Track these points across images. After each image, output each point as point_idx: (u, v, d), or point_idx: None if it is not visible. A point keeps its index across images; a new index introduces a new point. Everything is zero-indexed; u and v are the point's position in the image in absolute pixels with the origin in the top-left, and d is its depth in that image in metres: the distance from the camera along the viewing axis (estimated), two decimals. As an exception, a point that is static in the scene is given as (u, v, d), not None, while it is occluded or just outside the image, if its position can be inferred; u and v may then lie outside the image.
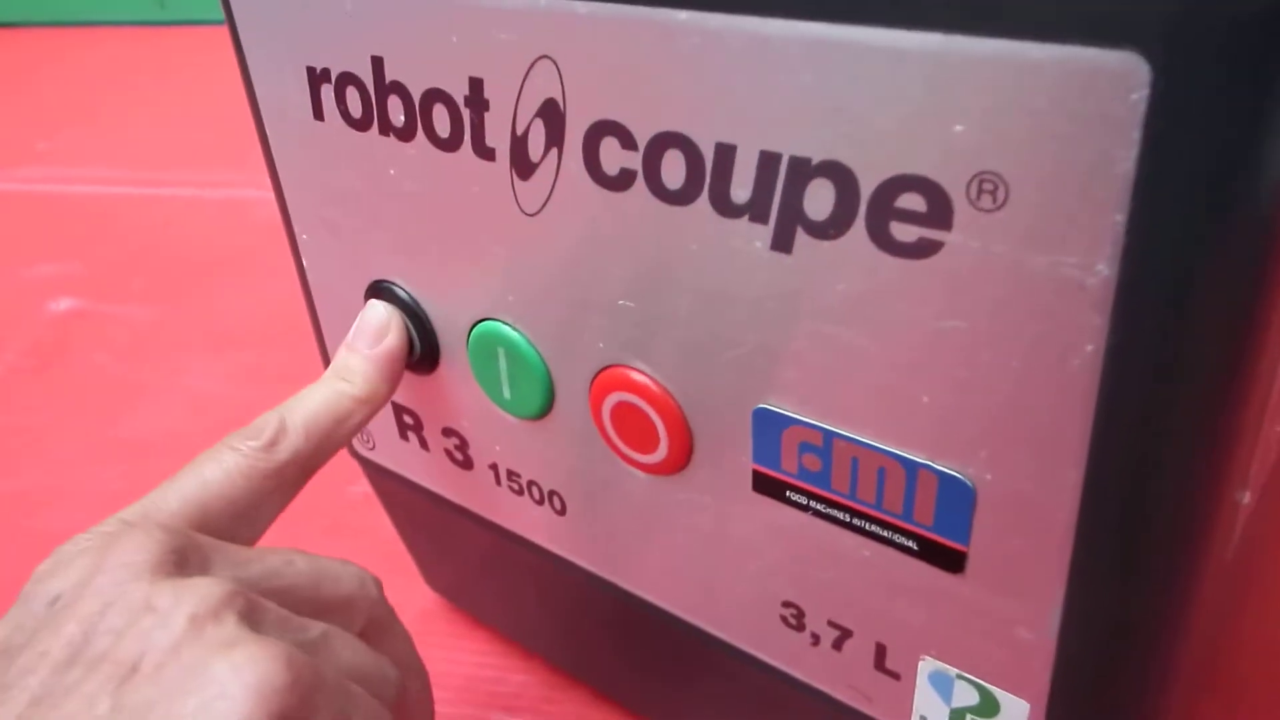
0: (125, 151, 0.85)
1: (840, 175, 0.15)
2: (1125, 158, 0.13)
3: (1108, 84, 0.12)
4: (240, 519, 0.21)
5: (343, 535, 0.42)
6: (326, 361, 0.30)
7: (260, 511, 0.22)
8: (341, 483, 0.44)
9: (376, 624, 0.22)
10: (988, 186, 0.14)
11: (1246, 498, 0.17)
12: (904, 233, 0.15)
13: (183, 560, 0.18)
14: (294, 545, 0.45)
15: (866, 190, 0.15)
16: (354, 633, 0.21)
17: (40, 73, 1.09)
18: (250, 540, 0.22)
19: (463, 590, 0.36)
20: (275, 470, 0.22)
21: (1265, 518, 0.20)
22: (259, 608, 0.18)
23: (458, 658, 0.36)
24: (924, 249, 0.15)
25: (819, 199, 0.16)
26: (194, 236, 0.69)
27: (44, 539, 0.45)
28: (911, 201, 0.15)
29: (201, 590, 0.17)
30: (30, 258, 0.67)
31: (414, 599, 0.38)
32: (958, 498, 0.17)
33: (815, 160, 0.15)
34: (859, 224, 0.16)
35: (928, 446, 0.17)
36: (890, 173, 0.15)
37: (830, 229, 0.16)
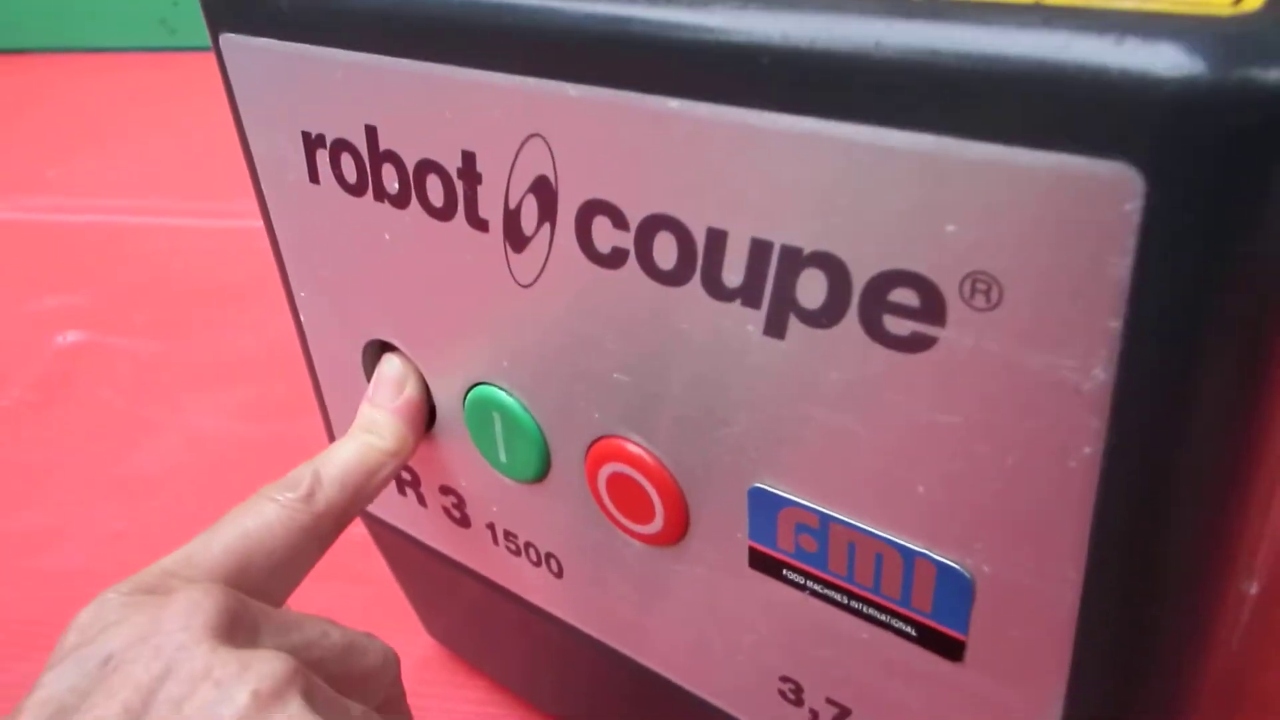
0: (134, 179, 0.85)
1: (832, 266, 0.15)
2: (1120, 264, 0.12)
3: (1101, 193, 0.12)
4: (277, 572, 0.21)
5: (342, 579, 0.41)
6: (325, 417, 0.30)
7: (297, 565, 0.22)
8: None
9: (391, 703, 0.22)
10: (981, 286, 0.14)
11: (1254, 588, 0.17)
12: (897, 326, 0.15)
13: (235, 624, 0.18)
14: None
15: (859, 282, 0.15)
16: (373, 709, 0.21)
17: (50, 99, 1.10)
18: (284, 595, 0.22)
19: (461, 640, 0.36)
20: (313, 522, 0.22)
21: (1275, 604, 0.20)
22: (315, 688, 0.18)
23: (456, 707, 0.35)
24: (917, 343, 0.15)
25: (812, 288, 0.16)
26: (201, 266, 0.70)
27: (46, 578, 0.45)
28: (904, 296, 0.15)
29: (266, 665, 0.17)
30: (39, 288, 0.68)
31: (413, 645, 0.38)
32: (955, 587, 0.17)
33: (807, 250, 0.15)
34: (852, 314, 0.15)
35: (924, 535, 0.17)
36: (883, 267, 0.15)
37: (823, 318, 0.16)
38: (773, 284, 0.16)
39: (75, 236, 0.76)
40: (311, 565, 0.23)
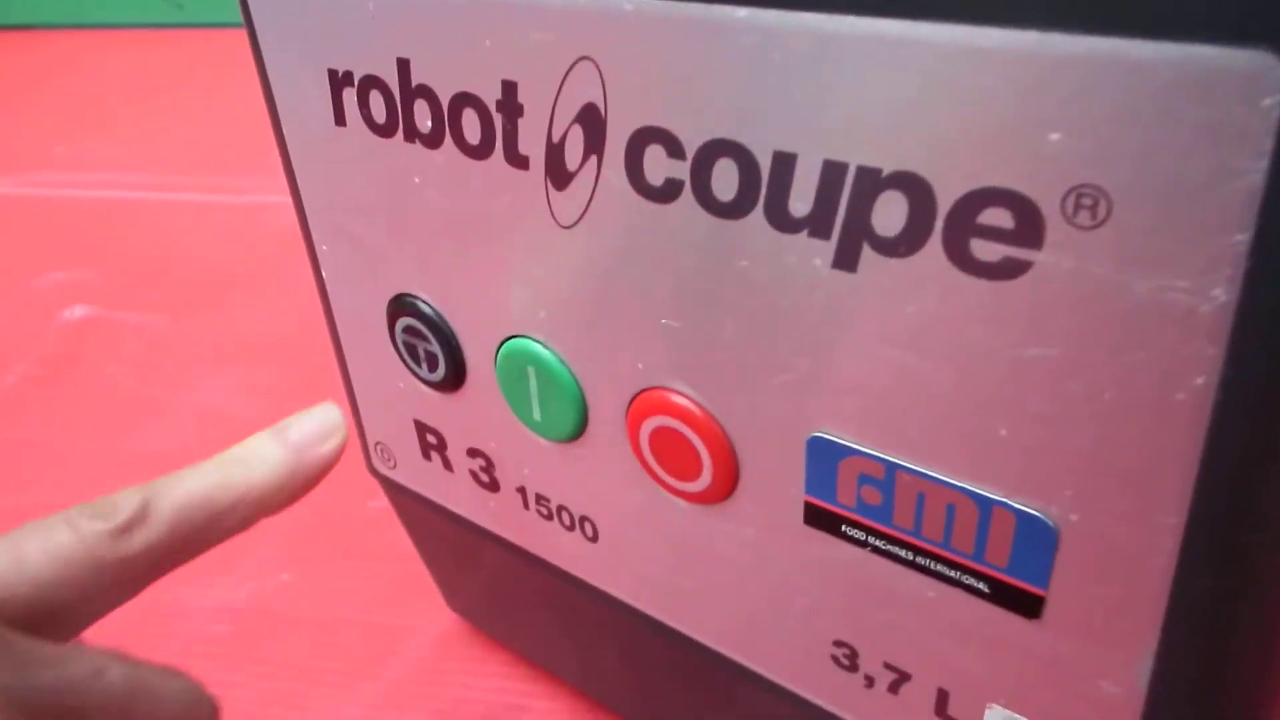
0: (142, 156, 0.84)
1: (915, 188, 0.14)
2: (1253, 169, 0.11)
3: (1234, 87, 0.11)
4: (61, 610, 0.17)
5: (358, 555, 0.40)
6: (346, 379, 0.29)
7: (84, 608, 0.18)
8: (360, 498, 0.43)
9: None
10: (1086, 201, 0.13)
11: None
12: (986, 251, 0.14)
13: None
14: (305, 564, 0.44)
15: (945, 204, 0.14)
16: None
17: (56, 76, 1.08)
18: (71, 634, 0.18)
19: (485, 613, 0.35)
20: (118, 562, 0.18)
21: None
22: None
23: (478, 683, 0.34)
24: (1009, 269, 0.14)
25: (889, 213, 0.14)
26: (210, 243, 0.68)
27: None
28: (996, 217, 0.13)
29: None
30: (45, 264, 0.66)
31: (434, 620, 0.37)
32: (1038, 539, 0.15)
33: (886, 171, 0.14)
34: (935, 241, 0.14)
35: (1005, 483, 0.15)
36: (973, 185, 0.13)
37: (901, 246, 0.15)
38: (845, 210, 0.15)
39: (82, 212, 0.74)
40: (108, 609, 0.18)
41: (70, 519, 0.18)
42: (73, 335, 0.58)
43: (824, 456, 0.18)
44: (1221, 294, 0.12)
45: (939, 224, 0.14)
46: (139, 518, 0.18)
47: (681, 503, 0.21)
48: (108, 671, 0.16)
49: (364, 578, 0.39)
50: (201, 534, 0.19)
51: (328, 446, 0.21)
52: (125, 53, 1.13)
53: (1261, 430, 0.13)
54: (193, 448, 0.48)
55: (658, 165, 0.17)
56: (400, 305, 0.25)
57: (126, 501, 0.18)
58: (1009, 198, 0.13)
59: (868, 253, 0.15)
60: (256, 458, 0.20)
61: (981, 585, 0.17)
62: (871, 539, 0.18)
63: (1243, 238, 0.12)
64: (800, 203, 0.15)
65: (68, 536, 0.17)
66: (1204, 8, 0.11)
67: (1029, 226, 0.13)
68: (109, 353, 0.56)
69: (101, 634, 0.40)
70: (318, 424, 0.21)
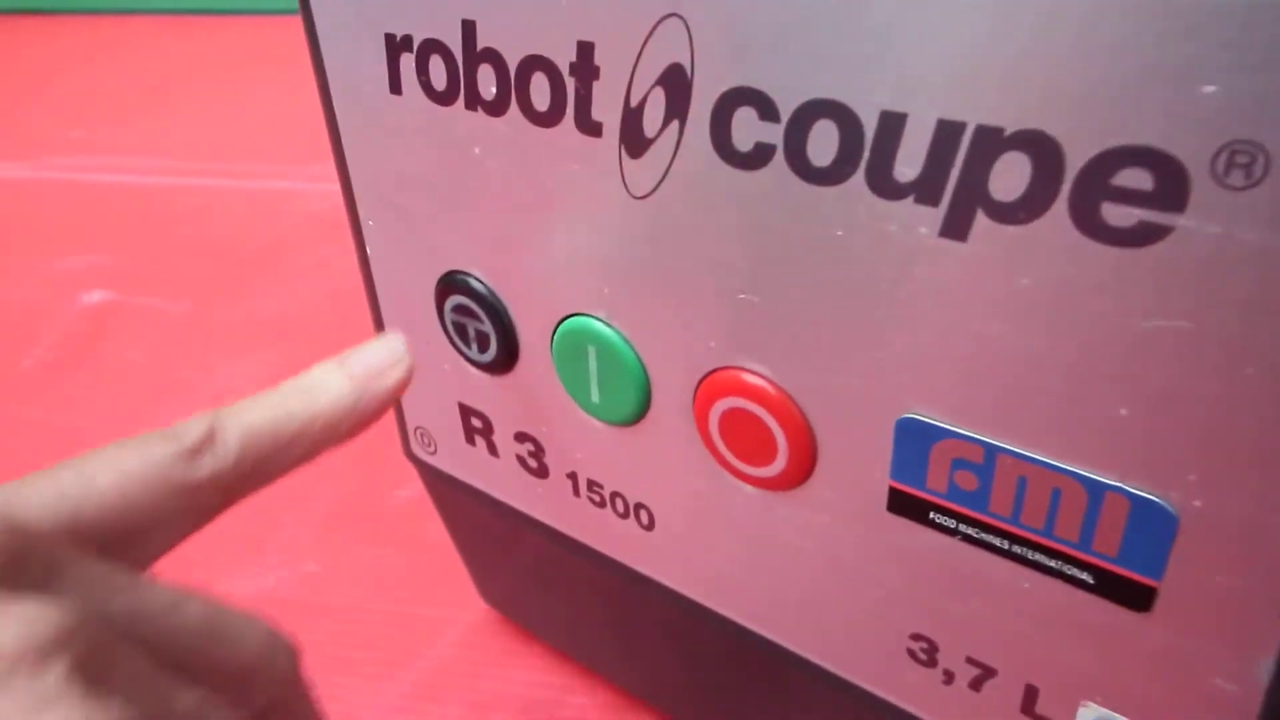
0: (160, 141, 0.83)
1: (1042, 147, 0.13)
2: None
3: None
4: (132, 536, 0.16)
5: (385, 544, 0.40)
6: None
7: (159, 532, 0.17)
8: (386, 486, 0.42)
9: (280, 706, 0.17)
10: (1241, 159, 0.12)
11: None
12: (1119, 216, 0.13)
13: (19, 567, 0.13)
14: (332, 554, 0.43)
15: (1075, 165, 0.13)
16: (246, 715, 0.16)
17: (76, 61, 1.08)
18: (143, 564, 0.17)
19: (521, 604, 0.34)
20: (187, 486, 0.17)
21: None
22: (107, 657, 0.13)
23: (512, 676, 0.34)
24: (1144, 235, 0.13)
25: (1010, 176, 0.13)
26: (228, 228, 0.68)
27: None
28: (1134, 178, 0.13)
29: (24, 621, 0.12)
30: (64, 248, 0.66)
31: (465, 611, 0.36)
32: (1155, 526, 0.15)
33: (1010, 130, 0.13)
34: (1060, 206, 0.13)
35: (1121, 467, 0.15)
36: (1109, 144, 0.13)
37: (1021, 212, 0.14)
38: (959, 174, 0.14)
39: (100, 197, 0.74)
40: (179, 538, 0.17)
41: (139, 442, 0.17)
42: (91, 319, 0.57)
43: (915, 439, 0.17)
44: (1393, 259, 0.11)
45: (1066, 187, 0.13)
46: (206, 441, 0.17)
47: (750, 489, 0.20)
48: (186, 606, 0.15)
49: (392, 567, 0.38)
50: (268, 463, 0.18)
51: (392, 377, 0.20)
52: (145, 39, 1.12)
53: None
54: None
55: (748, 129, 0.16)
56: (451, 283, 0.24)
57: (194, 425, 0.18)
58: (1150, 157, 0.12)
59: (981, 220, 0.14)
60: (320, 387, 0.19)
61: (1086, 576, 0.16)
62: (963, 526, 0.17)
63: None
64: (907, 166, 0.14)
65: (137, 458, 0.17)
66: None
67: (1172, 188, 0.12)
68: (127, 337, 0.56)
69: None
70: (382, 354, 0.20)
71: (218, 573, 0.38)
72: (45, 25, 1.21)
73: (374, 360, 0.20)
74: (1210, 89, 0.12)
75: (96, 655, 0.13)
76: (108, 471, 0.16)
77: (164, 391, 0.51)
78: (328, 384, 0.19)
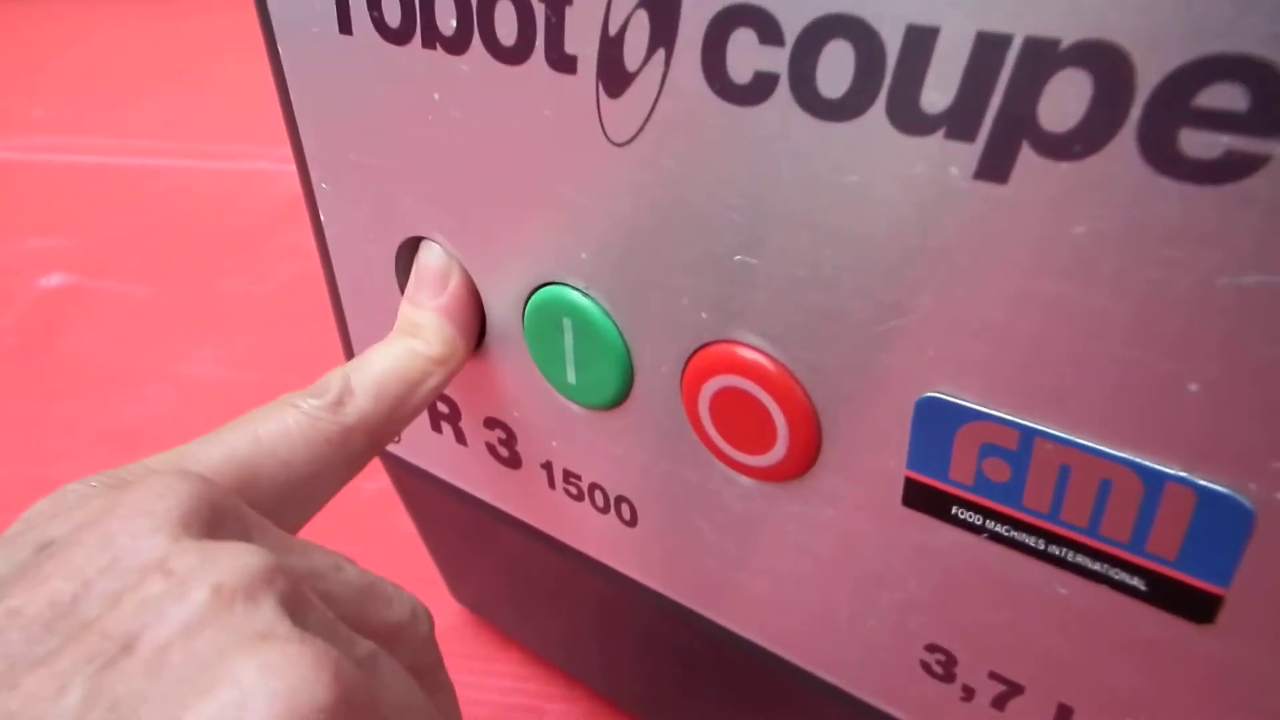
0: (125, 121, 0.80)
1: (1107, 63, 0.11)
2: None
3: None
4: (293, 491, 0.18)
5: (354, 539, 0.37)
6: (345, 339, 0.26)
7: (316, 485, 0.19)
8: (355, 479, 0.40)
9: (421, 670, 0.18)
10: (1364, 66, 0.09)
11: None
12: (1201, 145, 0.11)
13: (216, 521, 0.14)
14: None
15: (1148, 83, 0.11)
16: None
17: (37, 41, 1.04)
18: (297, 525, 0.19)
19: (496, 605, 0.31)
20: (341, 435, 0.19)
21: None
22: (305, 599, 0.14)
23: (487, 683, 0.31)
24: (1233, 168, 0.10)
25: (1066, 100, 0.11)
26: (194, 211, 0.65)
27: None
28: (1222, 97, 0.10)
29: (237, 558, 0.13)
30: (22, 230, 0.63)
31: (437, 613, 0.33)
32: (1226, 523, 0.12)
33: (1067, 42, 0.11)
34: (1127, 135, 0.11)
35: (1188, 453, 0.12)
36: (1192, 55, 0.10)
37: (1077, 144, 0.11)
38: (1002, 101, 0.12)
39: (62, 178, 0.71)
40: (334, 490, 0.19)
41: (290, 400, 0.19)
42: (49, 303, 0.54)
43: (937, 421, 0.15)
44: None
45: (1136, 111, 0.11)
46: (347, 391, 0.19)
47: (745, 480, 0.18)
48: (345, 567, 0.16)
49: (361, 565, 0.36)
50: (404, 404, 0.20)
51: (453, 285, 0.20)
52: (108, 19, 1.09)
53: None
54: (175, 417, 0.45)
55: (746, 56, 0.14)
56: (412, 251, 0.21)
57: (332, 379, 0.19)
58: (1245, 68, 0.10)
59: (1027, 156, 0.12)
60: (415, 325, 0.20)
61: (1136, 581, 0.14)
62: (991, 523, 0.15)
63: None
64: (938, 93, 0.12)
65: (293, 414, 0.18)
66: None
67: (1272, 106, 0.10)
68: (87, 321, 0.53)
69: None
70: (433, 273, 0.20)
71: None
72: (7, 5, 1.17)
73: (430, 278, 0.21)
74: (1328, -23, 0.09)
75: (295, 598, 0.14)
76: (272, 430, 0.18)
77: (123, 377, 0.48)
78: (421, 321, 0.20)
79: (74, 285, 0.56)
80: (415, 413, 0.20)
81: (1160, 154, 0.11)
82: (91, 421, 0.45)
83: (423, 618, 0.18)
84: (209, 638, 0.12)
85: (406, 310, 0.21)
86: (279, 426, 0.18)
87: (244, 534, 0.15)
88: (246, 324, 0.52)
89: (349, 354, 0.26)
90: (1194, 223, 0.11)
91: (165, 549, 0.13)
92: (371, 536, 0.37)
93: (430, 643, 0.18)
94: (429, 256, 0.21)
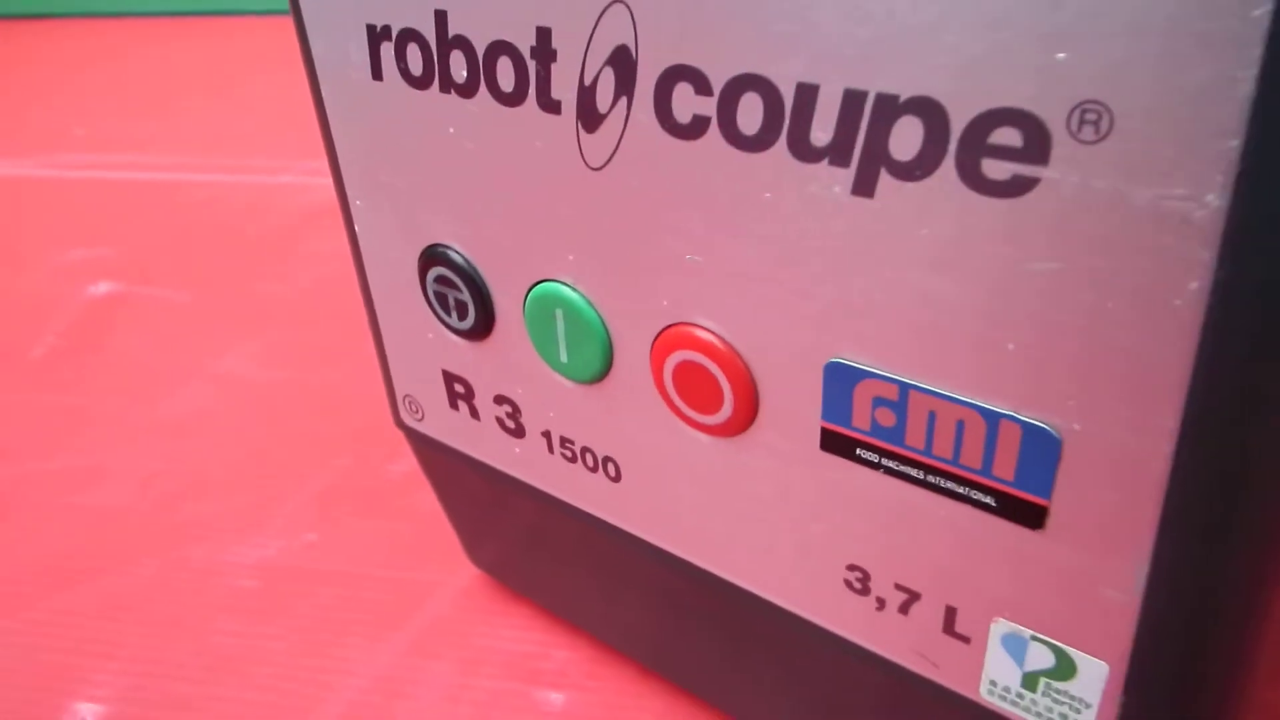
0: (161, 137, 0.85)
1: (930, 111, 0.15)
2: (1244, 79, 0.12)
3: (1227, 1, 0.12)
4: None
5: (380, 515, 0.42)
6: (376, 330, 0.30)
7: None
8: (381, 461, 0.44)
9: None
10: (1090, 116, 0.13)
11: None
12: (996, 170, 0.15)
13: None
14: (331, 525, 0.45)
15: (958, 126, 0.15)
16: None
17: (77, 61, 1.10)
18: None
19: (508, 565, 0.36)
20: None
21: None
22: None
23: (500, 633, 0.35)
24: (1018, 186, 0.15)
25: (905, 138, 0.15)
26: (227, 220, 0.70)
27: (86, 513, 0.46)
28: (1006, 136, 0.14)
29: None
30: (69, 242, 0.68)
31: (457, 575, 0.38)
32: (1042, 449, 0.16)
33: (903, 97, 0.15)
34: (948, 163, 0.15)
35: (1012, 396, 0.16)
36: (984, 107, 0.14)
37: (917, 169, 0.16)
38: (864, 137, 0.16)
39: (105, 192, 0.76)
40: None
41: None
42: (98, 310, 0.59)
43: (841, 381, 0.19)
44: (1215, 199, 0.13)
45: (952, 146, 0.15)
46: None
47: (703, 437, 0.22)
48: None
49: (387, 536, 0.40)
50: None
51: None
52: (142, 40, 1.14)
53: (1253, 331, 0.14)
54: (214, 410, 0.49)
55: (685, 103, 0.18)
56: (432, 255, 0.26)
57: None
58: (1018, 116, 0.14)
59: (885, 178, 0.16)
60: None
61: (989, 499, 0.18)
62: (885, 460, 0.19)
63: (1235, 143, 0.13)
64: (821, 132, 0.16)
65: None
66: (1198, -71, 0.12)
67: (1037, 144, 0.14)
68: (132, 325, 0.58)
69: (127, 585, 0.41)
70: None
71: (224, 543, 0.40)
72: (47, 29, 1.23)
73: None
74: (1062, 55, 0.13)
75: None
76: None
77: (168, 375, 0.53)
78: None
79: (120, 292, 0.61)
80: None
81: (972, 176, 0.15)
82: (139, 415, 0.50)
83: None
84: None
85: None
86: None
87: None
88: (278, 324, 0.57)
89: (379, 342, 0.30)
90: (999, 226, 0.15)
91: None
92: (400, 512, 0.41)
93: None
94: None
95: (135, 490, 0.44)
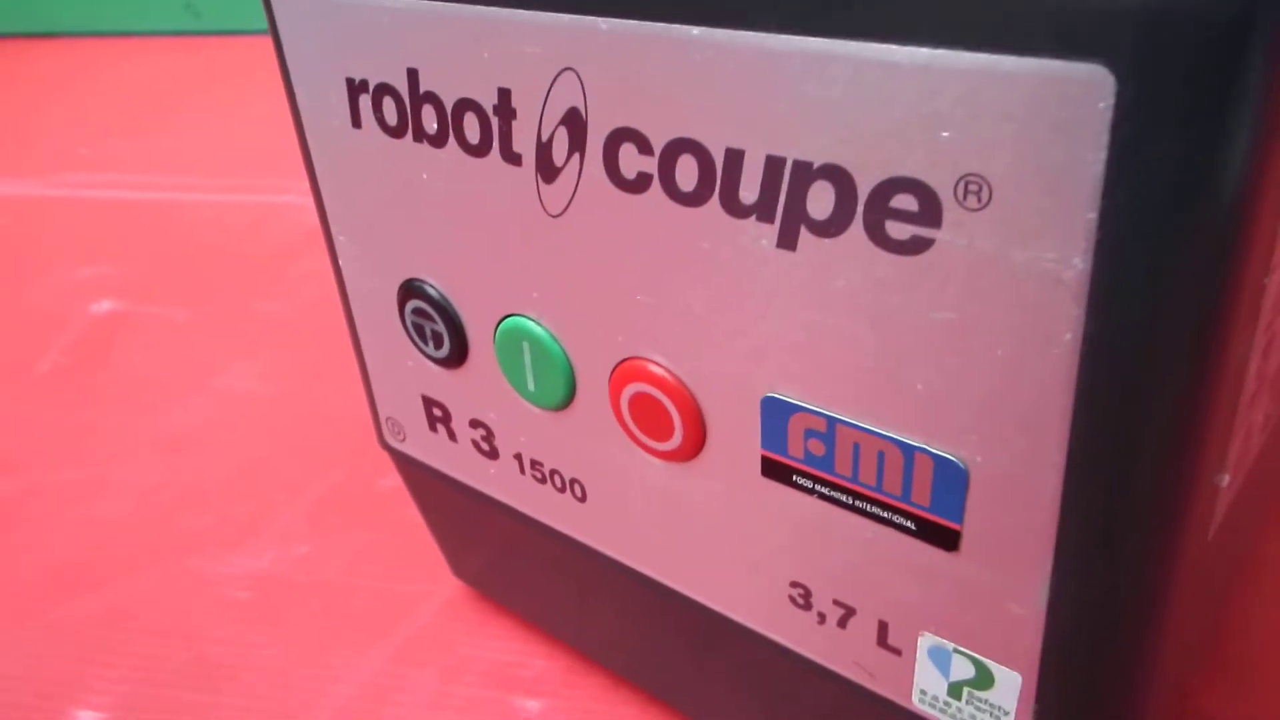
0: (163, 157, 0.87)
1: (839, 178, 0.17)
2: (1095, 160, 0.14)
3: (1077, 93, 0.14)
4: None
5: (369, 528, 0.43)
6: (359, 355, 0.32)
7: None
8: (371, 476, 0.46)
9: None
10: (973, 187, 0.15)
11: (1226, 480, 0.18)
12: (898, 231, 0.16)
13: None
14: (322, 537, 0.47)
15: (864, 191, 0.16)
16: None
17: (80, 81, 1.12)
18: None
19: (488, 579, 0.37)
20: None
21: (1251, 504, 0.21)
22: None
23: (482, 643, 0.37)
24: (917, 246, 0.16)
25: (821, 199, 0.17)
26: (227, 240, 0.72)
27: (92, 525, 0.47)
28: (905, 202, 0.16)
29: None
30: (74, 261, 0.70)
31: (441, 587, 0.40)
32: (951, 478, 0.18)
33: (817, 164, 0.17)
34: (857, 223, 0.17)
35: (923, 431, 0.18)
36: (885, 175, 0.16)
37: (831, 228, 0.17)
38: (785, 198, 0.18)
39: (108, 211, 0.78)
40: None
41: None
42: (101, 327, 0.61)
43: (776, 414, 0.20)
44: (1080, 262, 0.15)
45: (860, 208, 0.17)
46: None
47: (658, 462, 0.24)
48: None
49: (375, 549, 0.42)
50: None
51: None
52: (144, 59, 1.16)
53: (1122, 378, 0.15)
54: (214, 424, 0.51)
55: (630, 161, 0.20)
56: (410, 289, 0.27)
57: None
58: (914, 185, 0.16)
59: (805, 234, 0.18)
60: None
61: (909, 523, 0.19)
62: (818, 486, 0.21)
63: (1093, 215, 0.14)
64: (748, 192, 0.18)
65: None
66: (1055, 30, 0.14)
67: (930, 209, 0.16)
68: (134, 342, 0.59)
69: (128, 595, 0.43)
70: None
71: (220, 554, 0.42)
72: (50, 48, 1.25)
73: None
74: (947, 134, 0.15)
75: None
76: None
77: (170, 390, 0.54)
78: None
79: (122, 310, 0.63)
80: None
81: (878, 236, 0.17)
82: (140, 429, 0.51)
83: None
84: None
85: None
86: None
87: None
88: (275, 341, 0.58)
89: (363, 366, 0.32)
90: (903, 279, 0.17)
91: None
92: (388, 525, 0.43)
93: None
94: None
95: (136, 502, 0.46)
